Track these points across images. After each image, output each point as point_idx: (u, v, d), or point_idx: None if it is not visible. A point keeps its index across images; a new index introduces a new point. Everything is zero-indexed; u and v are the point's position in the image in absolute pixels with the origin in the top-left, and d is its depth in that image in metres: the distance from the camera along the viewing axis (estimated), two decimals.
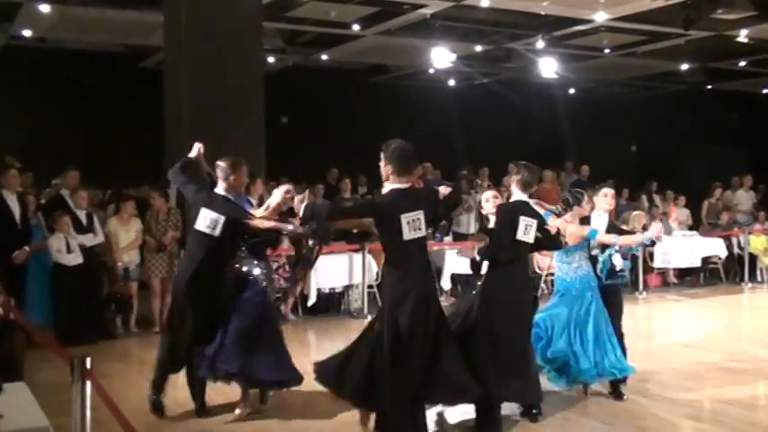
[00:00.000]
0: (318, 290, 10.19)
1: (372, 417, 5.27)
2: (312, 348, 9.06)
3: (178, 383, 6.14)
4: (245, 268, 5.76)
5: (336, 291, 10.60)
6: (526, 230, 5.62)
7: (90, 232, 8.92)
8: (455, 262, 10.36)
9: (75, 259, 8.60)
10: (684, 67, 16.77)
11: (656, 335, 9.43)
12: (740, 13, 12.51)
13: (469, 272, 7.14)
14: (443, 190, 5.19)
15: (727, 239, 13.57)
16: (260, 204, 7.76)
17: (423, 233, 4.95)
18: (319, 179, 13.46)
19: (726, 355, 8.02)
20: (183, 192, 6.23)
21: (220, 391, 5.96)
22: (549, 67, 14.71)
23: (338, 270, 10.29)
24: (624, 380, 6.33)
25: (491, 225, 5.88)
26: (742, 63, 16.28)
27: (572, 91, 19.20)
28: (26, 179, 9.60)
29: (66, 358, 3.63)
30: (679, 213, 13.87)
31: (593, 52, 15.23)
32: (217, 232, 5.62)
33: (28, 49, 14.03)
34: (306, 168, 14.07)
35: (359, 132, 15.70)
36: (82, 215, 8.93)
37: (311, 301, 10.14)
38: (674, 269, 13.20)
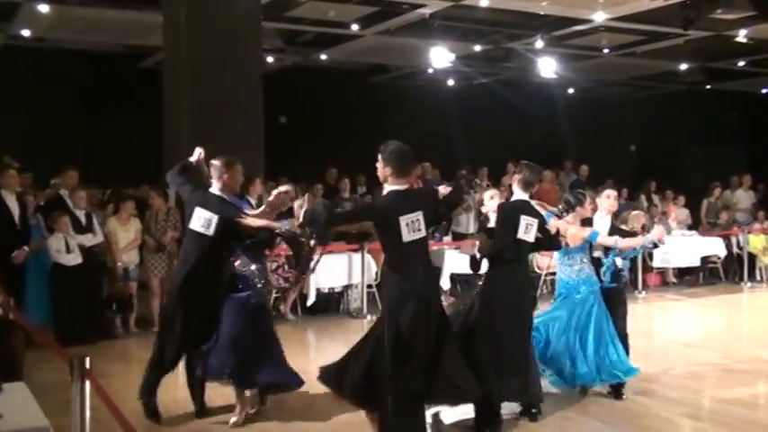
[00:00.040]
0: (318, 290, 10.18)
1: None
2: (311, 348, 9.07)
3: (178, 383, 6.13)
4: (239, 270, 5.70)
5: (336, 290, 10.60)
6: (527, 230, 5.63)
7: (89, 232, 8.92)
8: (454, 261, 10.35)
9: (75, 259, 8.60)
10: (683, 66, 16.78)
11: (656, 334, 9.43)
12: (739, 13, 12.51)
13: (469, 271, 7.14)
14: (443, 190, 5.18)
15: (727, 239, 13.57)
16: (259, 204, 7.76)
17: (422, 234, 4.93)
18: (318, 179, 13.46)
19: (725, 354, 8.02)
20: (179, 193, 6.22)
21: (220, 393, 5.94)
22: (548, 67, 14.71)
23: (337, 270, 10.28)
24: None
25: (491, 224, 5.88)
26: (741, 63, 16.29)
27: (571, 91, 19.20)
28: (25, 179, 9.60)
29: (65, 358, 3.63)
30: (678, 213, 13.87)
31: (592, 52, 15.23)
32: (211, 231, 5.58)
33: (27, 48, 14.03)
34: (305, 168, 14.07)
35: (358, 132, 15.72)
36: (81, 215, 8.92)
37: (310, 300, 10.14)
38: (674, 268, 13.21)
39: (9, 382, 4.50)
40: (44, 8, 11.70)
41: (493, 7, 12.10)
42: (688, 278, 13.45)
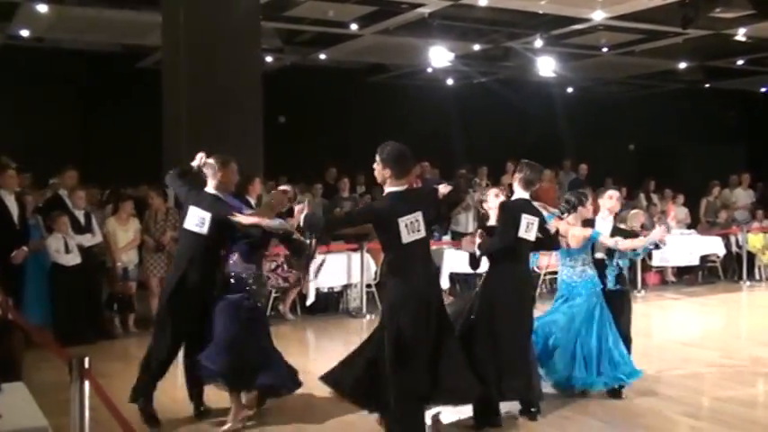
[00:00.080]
0: (317, 289, 10.19)
1: None
2: (311, 348, 9.07)
3: (177, 383, 6.13)
4: (233, 272, 5.64)
5: (335, 290, 10.60)
6: (528, 228, 5.64)
7: (88, 232, 8.92)
8: (454, 261, 10.36)
9: (74, 259, 8.60)
10: (682, 65, 16.79)
11: (655, 333, 9.43)
12: (738, 12, 12.52)
13: (468, 271, 7.14)
14: (443, 189, 5.18)
15: (726, 238, 13.58)
16: (258, 204, 7.76)
17: (422, 234, 4.91)
18: (317, 178, 13.47)
19: (724, 353, 8.03)
20: (177, 195, 6.20)
21: (220, 393, 5.93)
22: (547, 66, 14.72)
23: (337, 269, 10.28)
24: None
25: (491, 222, 5.88)
26: (740, 62, 16.29)
27: (570, 90, 19.20)
28: (24, 179, 9.60)
29: (64, 358, 3.62)
30: (677, 212, 13.88)
31: (591, 51, 15.23)
32: (204, 230, 5.53)
33: (25, 49, 14.02)
34: (304, 168, 14.08)
35: (357, 131, 15.74)
36: (80, 215, 8.92)
37: (310, 300, 10.14)
38: (673, 267, 13.22)
39: (8, 382, 4.50)
40: (43, 8, 11.70)
41: (492, 6, 12.10)
42: (687, 277, 13.46)
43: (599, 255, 6.34)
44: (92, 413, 3.51)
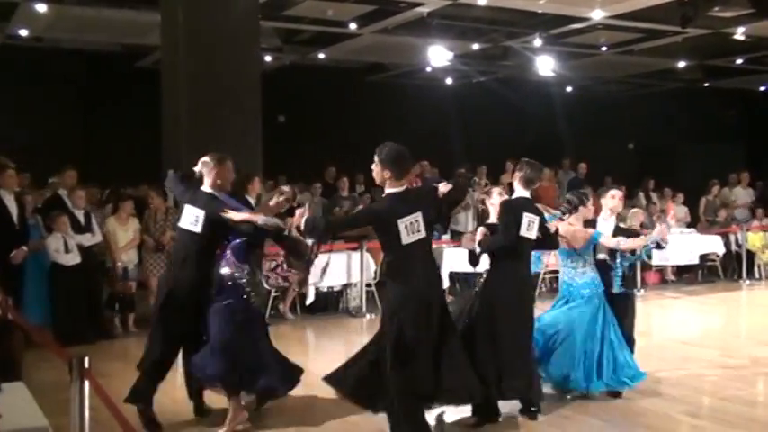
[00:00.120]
0: (317, 288, 10.19)
1: None
2: (311, 347, 9.07)
3: (177, 383, 6.12)
4: (226, 272, 5.58)
5: (335, 289, 10.60)
6: (529, 227, 5.64)
7: (88, 232, 8.92)
8: (453, 260, 10.36)
9: (74, 259, 8.60)
10: (681, 64, 16.80)
11: (655, 332, 9.43)
12: (737, 11, 12.52)
13: (468, 270, 7.14)
14: (443, 188, 5.17)
15: (725, 236, 13.58)
16: (258, 204, 7.75)
17: (422, 235, 4.89)
18: (317, 178, 13.47)
19: (724, 351, 8.03)
20: (175, 194, 6.18)
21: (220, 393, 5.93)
22: (546, 65, 14.72)
23: (336, 269, 10.29)
24: None
25: (491, 220, 5.88)
26: (739, 60, 16.30)
27: (569, 89, 19.20)
28: (23, 179, 9.60)
29: (64, 358, 3.62)
30: (677, 211, 13.88)
31: (590, 50, 15.24)
32: (198, 228, 5.48)
33: (25, 48, 14.02)
34: (303, 167, 14.08)
35: (356, 131, 15.72)
36: (80, 215, 8.92)
37: (309, 299, 10.14)
38: (672, 266, 13.22)
39: (8, 381, 4.49)
40: (42, 8, 11.70)
41: (491, 6, 12.10)
42: (687, 276, 13.46)
43: (601, 256, 6.31)
44: (92, 413, 3.50)
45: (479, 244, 5.71)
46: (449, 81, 17.84)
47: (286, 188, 6.08)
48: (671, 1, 11.64)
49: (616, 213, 6.54)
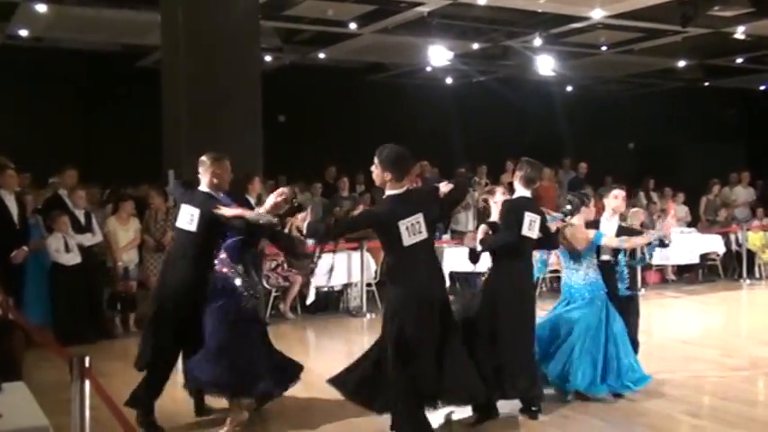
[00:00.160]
0: (317, 288, 10.19)
1: None
2: (311, 347, 9.07)
3: (177, 383, 6.11)
4: (220, 272, 5.53)
5: (335, 289, 10.60)
6: (530, 226, 5.64)
7: (88, 232, 8.93)
8: (454, 260, 10.36)
9: (74, 259, 8.60)
10: (681, 64, 16.79)
11: (655, 332, 9.42)
12: (737, 10, 12.52)
13: (468, 269, 7.14)
14: (444, 188, 5.17)
15: (726, 236, 13.58)
16: (258, 203, 7.75)
17: (424, 236, 4.89)
18: (317, 178, 13.47)
19: (724, 351, 8.03)
20: (175, 197, 6.16)
21: None
22: (546, 65, 14.71)
23: (337, 268, 10.29)
24: None
25: (493, 218, 5.88)
26: (739, 60, 16.28)
27: (569, 88, 19.19)
28: (24, 179, 9.60)
29: (65, 357, 3.62)
30: (677, 210, 13.87)
31: (590, 49, 15.23)
32: (194, 227, 5.46)
33: (25, 48, 14.01)
34: (303, 167, 14.08)
35: (356, 131, 15.72)
36: (80, 215, 8.93)
37: (310, 299, 10.15)
38: (673, 266, 13.22)
39: (9, 381, 4.49)
40: (42, 8, 11.69)
41: (491, 5, 12.09)
42: (687, 275, 13.45)
43: (605, 257, 6.27)
44: (92, 412, 3.50)
45: (481, 242, 5.72)
46: (449, 81, 17.84)
47: (285, 189, 6.04)
48: (671, 0, 11.64)
49: (619, 213, 6.52)
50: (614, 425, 5.69)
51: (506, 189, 6.35)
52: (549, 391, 6.10)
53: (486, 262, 6.02)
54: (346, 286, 10.55)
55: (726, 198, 14.84)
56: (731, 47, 15.10)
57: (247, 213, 5.40)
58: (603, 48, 15.04)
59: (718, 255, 13.40)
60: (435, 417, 5.28)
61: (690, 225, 13.91)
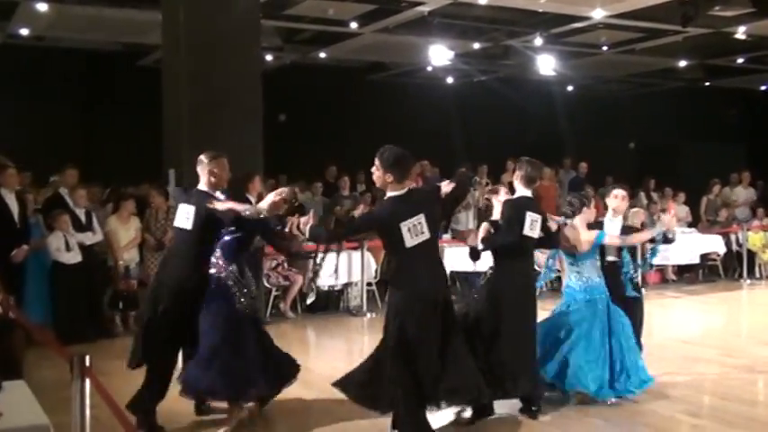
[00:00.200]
0: (317, 287, 10.19)
1: None
2: (311, 346, 9.08)
3: (177, 382, 6.11)
4: (213, 273, 5.49)
5: (335, 288, 10.60)
6: (532, 226, 5.64)
7: (89, 231, 8.94)
8: (454, 259, 10.35)
9: (75, 258, 8.61)
10: (682, 64, 16.78)
11: (655, 332, 9.41)
12: (738, 10, 12.51)
13: (469, 269, 7.13)
14: (445, 187, 5.16)
15: (726, 236, 13.59)
16: (258, 202, 7.73)
17: (427, 236, 4.87)
18: (318, 177, 13.47)
19: (725, 351, 8.03)
20: (176, 200, 6.15)
21: None
22: (547, 65, 14.70)
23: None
24: None
25: (495, 216, 5.88)
26: (740, 60, 16.27)
27: (570, 88, 19.18)
28: (24, 178, 9.61)
29: (65, 356, 3.63)
30: (678, 210, 13.86)
31: (591, 49, 15.22)
32: (189, 225, 5.43)
33: (25, 47, 14.01)
34: (304, 166, 14.07)
35: (357, 130, 15.72)
36: (81, 213, 8.94)
37: (310, 298, 10.14)
38: (673, 266, 13.23)
39: (9, 380, 4.50)
40: (43, 7, 11.69)
41: (492, 5, 12.08)
42: (687, 275, 13.46)
43: (610, 257, 6.23)
44: (93, 411, 3.51)
45: (482, 241, 5.72)
46: (450, 80, 17.82)
47: (284, 189, 6.02)
48: (672, 0, 11.63)
49: (621, 213, 6.47)
50: (615, 424, 5.69)
51: (508, 189, 6.35)
52: (549, 391, 6.10)
53: (486, 261, 6.02)
54: (346, 285, 10.56)
55: (726, 198, 14.84)
56: (732, 47, 15.09)
57: (238, 206, 5.37)
58: (604, 47, 15.04)
59: (718, 255, 13.40)
60: (440, 416, 5.27)
61: (690, 225, 13.92)
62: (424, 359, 4.81)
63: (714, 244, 13.27)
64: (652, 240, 6.36)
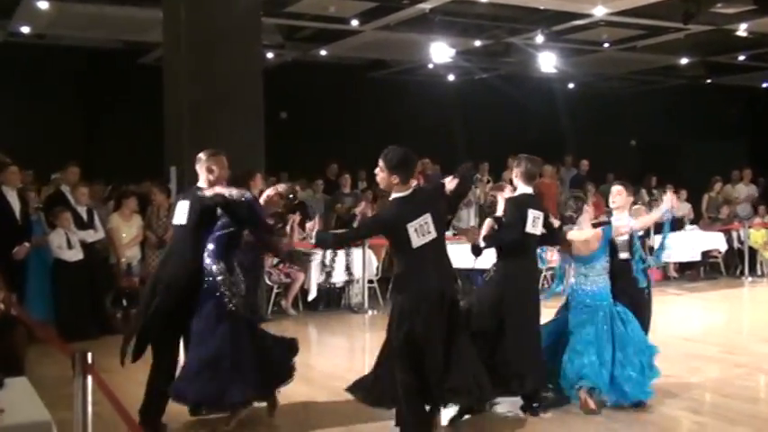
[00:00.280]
0: (319, 285, 10.20)
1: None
2: (313, 343, 9.07)
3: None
4: (205, 269, 5.42)
5: (337, 286, 10.60)
6: (534, 223, 5.63)
7: (90, 228, 8.95)
8: (456, 257, 10.30)
9: (76, 255, 8.62)
10: (684, 61, 16.76)
11: (657, 329, 9.33)
12: (739, 7, 12.50)
13: (470, 266, 7.13)
14: (449, 184, 5.14)
15: (728, 233, 13.58)
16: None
17: (434, 235, 4.83)
18: (319, 175, 13.47)
19: (726, 348, 8.04)
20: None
21: None
22: (548, 62, 14.70)
23: (338, 265, 10.30)
24: None
25: (498, 213, 5.88)
26: (741, 57, 16.25)
27: (571, 85, 19.17)
28: (26, 176, 9.62)
29: (67, 353, 3.63)
30: (681, 207, 13.86)
31: (592, 47, 15.21)
32: (185, 220, 5.42)
33: (26, 45, 14.01)
34: (305, 164, 14.08)
35: (358, 128, 15.73)
36: (82, 211, 8.96)
37: (312, 295, 10.16)
38: (675, 263, 13.21)
39: (11, 376, 4.51)
40: (44, 5, 11.69)
41: (493, 2, 12.08)
42: (689, 273, 13.45)
43: (623, 255, 6.13)
44: (94, 407, 3.51)
45: (484, 239, 5.71)
46: (451, 78, 17.81)
47: (282, 185, 5.99)
48: None
49: (624, 209, 6.39)
50: (615, 421, 5.68)
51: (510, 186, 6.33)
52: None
53: (488, 259, 6.01)
54: (348, 283, 10.56)
55: (728, 195, 14.83)
56: (733, 44, 15.08)
57: (223, 189, 5.33)
58: (605, 45, 15.03)
59: (719, 252, 13.39)
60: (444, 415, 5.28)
61: (692, 222, 13.91)
62: (429, 359, 4.79)
63: (715, 241, 13.27)
64: (660, 233, 6.28)
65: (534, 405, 5.74)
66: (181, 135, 9.40)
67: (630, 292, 6.15)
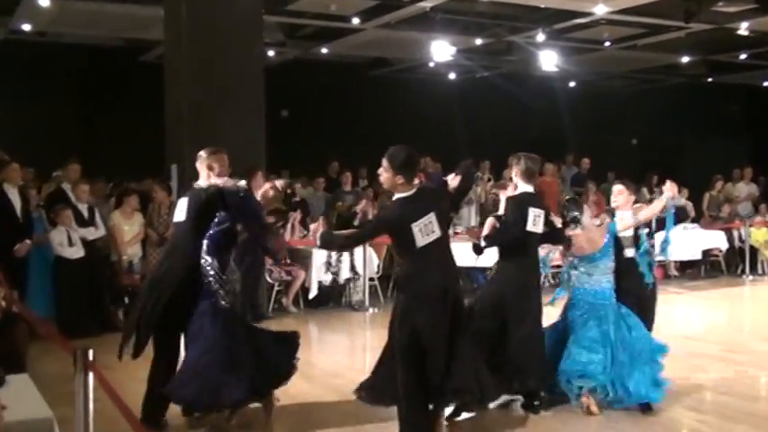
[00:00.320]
0: (320, 282, 10.20)
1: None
2: (314, 341, 9.08)
3: None
4: (202, 267, 5.38)
5: (340, 283, 10.60)
6: (535, 221, 5.63)
7: (91, 226, 8.96)
8: (456, 255, 10.32)
9: (77, 252, 8.63)
10: (685, 59, 16.75)
11: (658, 327, 9.32)
12: (740, 6, 12.50)
13: (471, 265, 7.12)
14: (452, 182, 5.14)
15: (728, 232, 13.58)
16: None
17: (438, 234, 4.81)
18: (320, 173, 13.48)
19: (727, 346, 8.04)
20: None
21: None
22: (549, 60, 14.69)
23: (344, 265, 10.29)
24: None
25: (500, 211, 5.87)
26: (742, 56, 16.24)
27: (572, 84, 19.17)
28: (27, 173, 9.63)
29: (68, 350, 3.64)
30: (679, 197, 13.82)
31: (593, 45, 15.21)
32: (184, 216, 5.42)
33: (28, 43, 14.00)
34: (306, 162, 14.08)
35: (359, 126, 15.73)
36: (83, 209, 8.97)
37: (312, 293, 10.16)
38: (676, 262, 13.20)
39: (13, 373, 4.52)
40: (45, 2, 11.69)
41: (494, 0, 12.09)
42: (690, 271, 13.45)
43: (629, 253, 6.11)
44: (96, 404, 3.51)
45: (485, 238, 5.71)
46: (452, 76, 17.81)
47: (279, 180, 5.96)
48: None
49: (626, 207, 6.37)
50: (616, 420, 5.68)
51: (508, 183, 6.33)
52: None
53: (489, 257, 6.01)
54: (349, 280, 10.56)
55: (729, 194, 14.83)
56: (734, 43, 15.07)
57: (218, 180, 5.34)
58: (607, 43, 15.02)
59: (720, 251, 13.39)
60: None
61: (693, 221, 13.90)
62: (432, 358, 4.77)
63: (716, 240, 13.26)
64: (661, 226, 6.26)
65: (535, 403, 5.74)
66: (182, 133, 9.41)
67: (635, 291, 6.13)
